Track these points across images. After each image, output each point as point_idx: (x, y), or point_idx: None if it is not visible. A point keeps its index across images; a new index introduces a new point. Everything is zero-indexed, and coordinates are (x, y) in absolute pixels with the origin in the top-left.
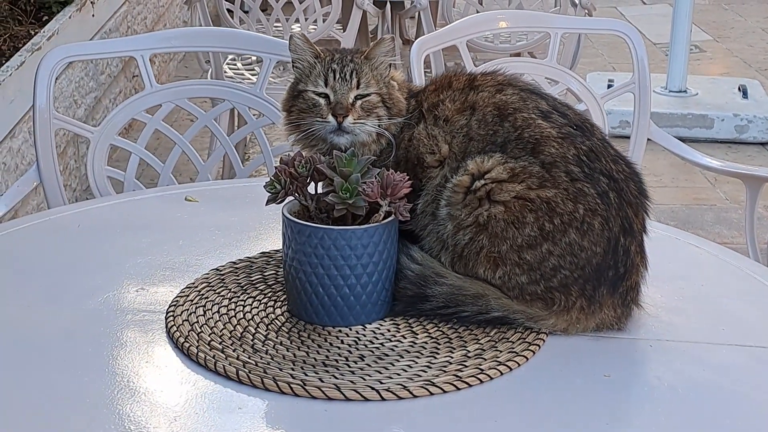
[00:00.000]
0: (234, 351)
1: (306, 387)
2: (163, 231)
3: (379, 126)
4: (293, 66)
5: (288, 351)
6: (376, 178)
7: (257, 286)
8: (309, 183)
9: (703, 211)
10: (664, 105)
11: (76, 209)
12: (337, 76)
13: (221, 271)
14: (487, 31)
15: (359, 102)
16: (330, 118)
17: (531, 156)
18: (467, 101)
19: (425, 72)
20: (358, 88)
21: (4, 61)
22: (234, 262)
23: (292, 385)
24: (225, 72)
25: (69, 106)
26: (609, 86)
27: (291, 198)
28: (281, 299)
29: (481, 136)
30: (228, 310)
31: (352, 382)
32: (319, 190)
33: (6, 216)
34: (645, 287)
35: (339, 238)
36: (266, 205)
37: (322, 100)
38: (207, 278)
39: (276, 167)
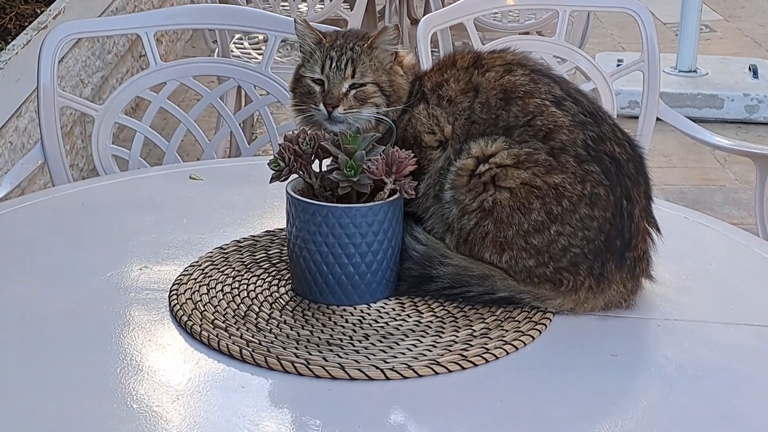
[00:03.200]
0: (237, 330)
1: (310, 366)
2: (167, 209)
3: (377, 113)
4: (299, 49)
5: (292, 330)
6: (380, 155)
7: (261, 264)
8: (313, 160)
9: (712, 191)
10: (673, 85)
11: (79, 187)
12: (333, 64)
13: (225, 249)
14: (495, 8)
15: (353, 92)
16: (321, 106)
17: (540, 142)
18: (471, 81)
19: (432, 51)
20: (353, 77)
21: (10, 40)
22: (238, 241)
23: (295, 364)
24: (232, 51)
25: (75, 86)
26: (618, 66)
27: (295, 176)
28: (285, 278)
29: (483, 119)
30: (232, 289)
31: (356, 361)
32: (324, 168)
33: (12, 195)
34: (655, 255)
35: (343, 215)
36: (270, 182)
37: (317, 87)
38: (211, 257)
39: (280, 144)
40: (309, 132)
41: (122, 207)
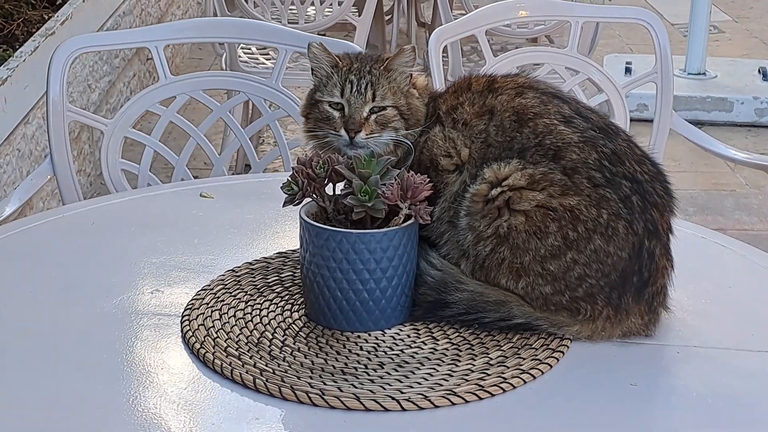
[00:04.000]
0: (251, 358)
1: (325, 396)
2: (178, 229)
3: (396, 137)
4: (312, 73)
5: (306, 358)
6: (395, 179)
7: (274, 288)
8: (327, 184)
9: (722, 197)
10: (683, 88)
11: (90, 206)
12: (354, 88)
13: (237, 272)
14: (508, 20)
15: (374, 116)
16: (342, 132)
17: (552, 162)
18: (486, 105)
19: (442, 57)
20: (373, 100)
21: (17, 46)
22: (250, 263)
23: (310, 395)
24: (239, 57)
25: (83, 91)
26: (627, 69)
27: (308, 199)
28: (298, 302)
29: (499, 142)
30: (244, 314)
31: (371, 391)
32: (338, 190)
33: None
34: (671, 289)
35: (357, 241)
36: (283, 206)
37: (336, 113)
38: (223, 280)
39: (293, 167)
40: (323, 155)
41: (133, 226)
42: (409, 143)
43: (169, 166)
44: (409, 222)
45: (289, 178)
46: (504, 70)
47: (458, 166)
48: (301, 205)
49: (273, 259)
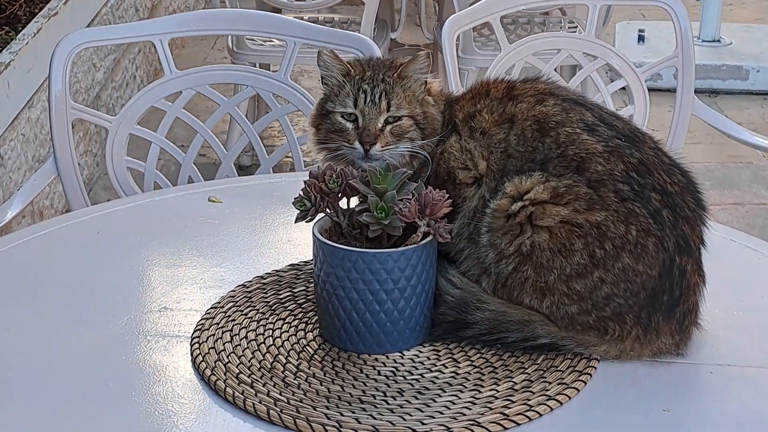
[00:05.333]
0: (264, 386)
1: (342, 429)
2: (186, 239)
3: (412, 148)
4: (322, 82)
5: (321, 385)
6: (413, 194)
7: (287, 305)
8: (341, 198)
9: (739, 169)
10: (697, 56)
11: (94, 213)
12: (368, 98)
13: (248, 287)
14: (522, 5)
15: (389, 127)
16: (357, 144)
17: (576, 174)
18: (505, 113)
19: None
20: (388, 110)
21: (20, 28)
22: (261, 277)
23: (327, 427)
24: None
25: (88, 71)
26: (640, 36)
27: (322, 214)
28: (312, 321)
29: (520, 153)
30: (257, 335)
31: (390, 423)
32: (353, 203)
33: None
34: (702, 303)
35: (374, 261)
36: (296, 222)
37: (349, 125)
38: (233, 296)
39: (305, 182)
40: (336, 168)
41: (139, 236)
42: (426, 154)
43: (175, 162)
44: (428, 239)
45: (301, 193)
46: (519, 57)
47: (476, 179)
48: (314, 222)
49: (285, 272)
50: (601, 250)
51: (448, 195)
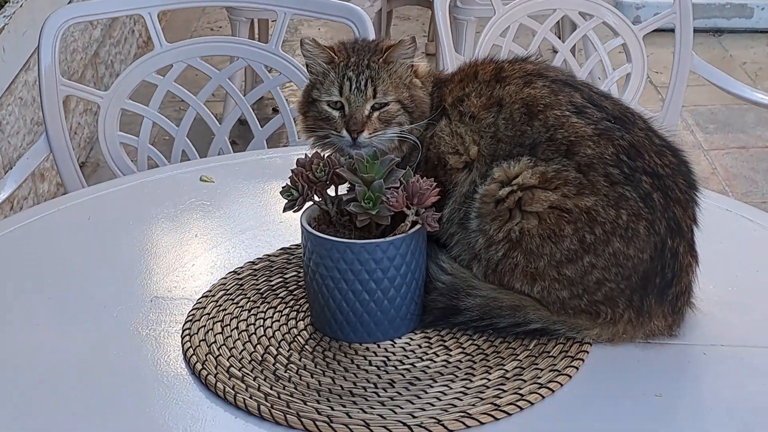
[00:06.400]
0: (255, 380)
1: (332, 424)
2: (178, 222)
3: (401, 133)
4: (307, 69)
5: (312, 377)
6: (401, 182)
7: (278, 292)
8: (329, 186)
9: (743, 111)
10: None
11: (87, 195)
12: (353, 85)
13: (239, 274)
14: None
15: (376, 113)
16: (344, 132)
17: (565, 158)
18: (493, 96)
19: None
20: (374, 97)
21: None
22: (252, 262)
23: (317, 422)
24: None
25: (85, 29)
26: None
27: (310, 203)
28: (303, 308)
29: (509, 137)
30: (247, 326)
31: (381, 416)
32: (341, 190)
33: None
34: (696, 283)
35: (362, 251)
36: (283, 212)
37: (336, 113)
38: (224, 284)
39: (292, 170)
40: (323, 156)
41: (130, 221)
42: (415, 139)
43: (168, 136)
44: (416, 228)
45: (288, 183)
46: (514, 19)
47: (467, 164)
48: (302, 211)
49: (276, 256)
50: (591, 235)
51: (437, 181)
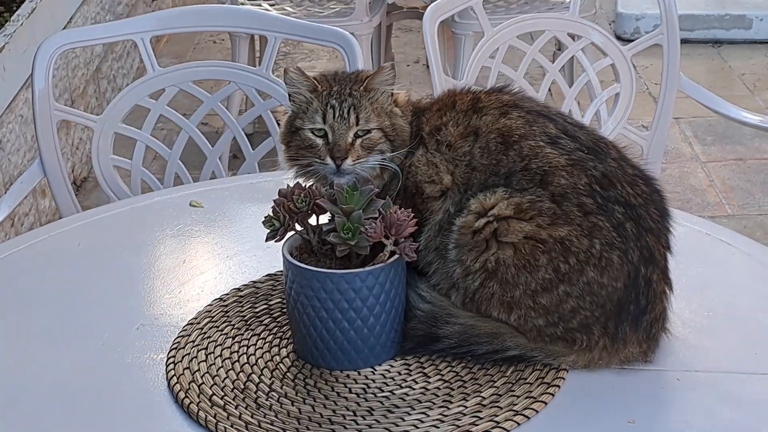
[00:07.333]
0: (236, 408)
1: None
2: (166, 247)
3: (382, 160)
4: (290, 99)
5: (293, 405)
6: (380, 212)
7: (262, 319)
8: (310, 216)
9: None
10: (699, 6)
11: (77, 222)
12: (336, 113)
13: (225, 301)
14: None
15: (359, 141)
16: (328, 160)
17: (539, 188)
18: (470, 126)
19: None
20: (357, 124)
21: (15, 9)
22: (238, 289)
23: None
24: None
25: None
26: None
27: (292, 232)
28: (286, 335)
29: (484, 166)
30: (231, 353)
31: None
32: (322, 219)
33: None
34: (670, 309)
35: (341, 281)
36: (266, 241)
37: (319, 141)
38: (210, 312)
39: (274, 201)
40: (304, 187)
41: (119, 247)
42: (396, 167)
43: (161, 159)
44: (394, 258)
45: (270, 213)
46: (503, 40)
47: (444, 193)
48: (283, 240)
49: (262, 283)
50: (566, 265)
51: (415, 210)
